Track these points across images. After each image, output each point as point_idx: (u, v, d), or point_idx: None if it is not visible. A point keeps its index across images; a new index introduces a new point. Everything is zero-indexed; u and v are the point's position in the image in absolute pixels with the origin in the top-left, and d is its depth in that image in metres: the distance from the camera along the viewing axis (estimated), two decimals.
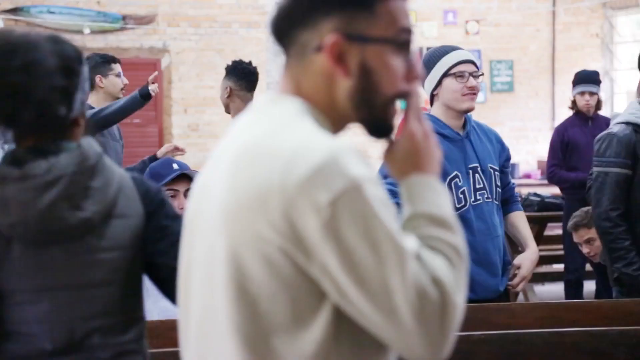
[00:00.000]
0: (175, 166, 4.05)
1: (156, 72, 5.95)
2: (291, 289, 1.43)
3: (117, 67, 5.76)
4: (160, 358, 3.43)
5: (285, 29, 1.52)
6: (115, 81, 5.73)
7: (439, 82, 3.73)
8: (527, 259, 3.85)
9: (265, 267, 1.43)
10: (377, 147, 1.60)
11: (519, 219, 4.00)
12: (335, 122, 1.53)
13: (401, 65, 1.52)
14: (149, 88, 5.68)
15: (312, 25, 1.49)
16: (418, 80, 1.55)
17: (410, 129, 1.55)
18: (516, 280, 3.83)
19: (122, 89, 5.79)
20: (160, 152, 5.75)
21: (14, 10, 10.61)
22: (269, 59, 11.49)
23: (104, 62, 5.75)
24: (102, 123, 5.50)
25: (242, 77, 5.80)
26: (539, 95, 12.76)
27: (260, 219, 1.41)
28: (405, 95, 1.55)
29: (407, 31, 1.52)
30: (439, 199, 1.52)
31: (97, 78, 5.70)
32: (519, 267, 3.83)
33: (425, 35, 12.21)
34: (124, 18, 11.03)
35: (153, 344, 3.71)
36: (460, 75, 3.69)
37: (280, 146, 1.43)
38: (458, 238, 1.50)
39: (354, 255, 1.39)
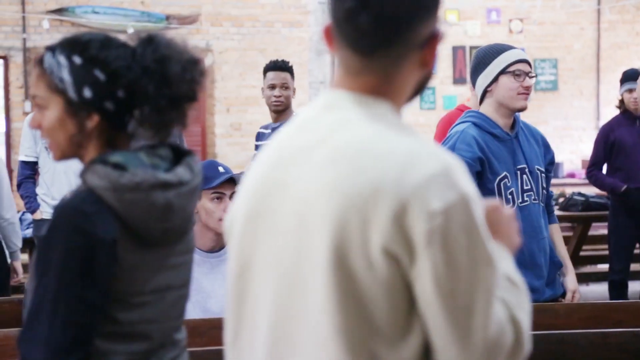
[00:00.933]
0: (220, 169, 4.07)
1: None
2: (391, 293, 1.45)
3: None
4: (203, 357, 3.44)
5: (398, 26, 1.54)
6: None
7: (495, 79, 3.72)
8: (573, 282, 3.97)
9: (369, 269, 1.44)
10: None
11: (556, 234, 4.01)
12: (398, 108, 1.58)
13: None
14: None
15: (423, 24, 1.55)
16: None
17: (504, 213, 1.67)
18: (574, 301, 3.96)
19: None
20: None
21: (60, 11, 10.71)
22: (311, 59, 11.51)
23: None
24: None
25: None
26: (584, 94, 12.65)
27: (369, 220, 1.43)
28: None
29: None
30: (512, 265, 1.61)
31: None
32: (574, 292, 3.96)
33: (468, 34, 12.15)
34: (167, 18, 11.10)
35: (196, 343, 3.73)
36: (517, 74, 3.69)
37: (392, 151, 1.47)
38: (527, 299, 1.57)
39: (454, 265, 1.43)
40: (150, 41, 2.07)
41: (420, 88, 1.60)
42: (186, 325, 3.77)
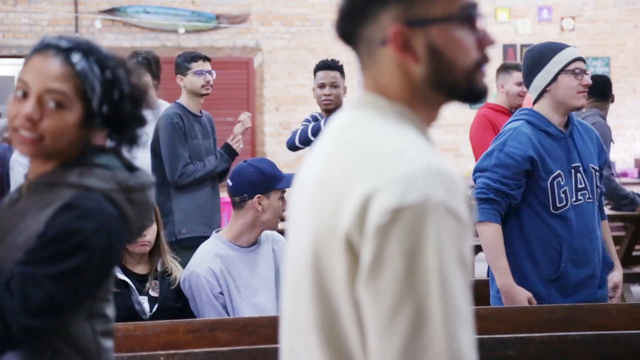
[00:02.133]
0: (285, 171, 4.17)
1: (244, 122, 5.99)
2: (350, 294, 1.40)
3: (196, 65, 5.81)
4: (252, 355, 3.46)
5: (348, 28, 1.53)
6: (193, 79, 5.78)
7: (554, 78, 3.72)
8: (619, 277, 3.92)
9: (334, 259, 1.42)
10: (468, 146, 1.59)
11: (605, 231, 3.99)
12: (423, 111, 1.52)
13: (470, 36, 1.50)
14: (234, 145, 5.80)
15: (373, 19, 1.49)
16: (492, 45, 1.53)
17: None
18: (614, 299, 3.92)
19: (204, 86, 5.83)
20: (233, 140, 5.83)
21: (112, 11, 10.83)
22: None
23: (183, 61, 5.83)
24: (189, 183, 5.65)
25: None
26: (636, 93, 12.51)
27: (341, 210, 1.40)
28: (483, 62, 1.52)
29: (472, 6, 1.50)
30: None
31: (178, 78, 5.79)
32: (615, 287, 3.91)
33: (519, 32, 12.07)
34: (217, 17, 11.16)
35: (245, 341, 3.76)
36: (577, 73, 3.69)
37: (382, 149, 1.43)
38: None
39: (382, 271, 1.35)
40: (126, 67, 2.12)
41: (442, 87, 1.50)
42: (235, 324, 3.81)
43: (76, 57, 2.05)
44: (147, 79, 5.90)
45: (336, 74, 5.83)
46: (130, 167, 2.14)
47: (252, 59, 11.30)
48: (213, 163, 5.76)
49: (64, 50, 2.06)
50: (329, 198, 1.44)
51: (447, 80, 1.50)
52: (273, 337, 3.76)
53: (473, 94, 1.52)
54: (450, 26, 1.48)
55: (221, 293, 4.09)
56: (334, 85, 5.79)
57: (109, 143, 2.12)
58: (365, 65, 1.53)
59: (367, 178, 1.39)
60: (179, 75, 5.79)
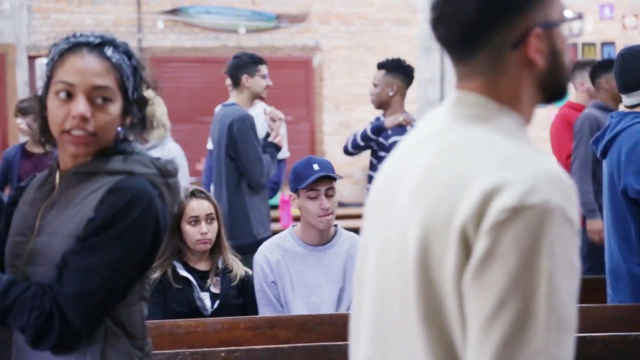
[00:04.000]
0: (316, 167, 4.14)
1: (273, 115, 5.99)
2: (459, 277, 1.42)
3: (264, 69, 5.83)
4: (312, 352, 3.49)
5: (475, 33, 1.54)
6: (260, 82, 5.81)
7: None
8: None
9: (445, 258, 1.43)
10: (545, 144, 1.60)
11: None
12: (526, 113, 1.57)
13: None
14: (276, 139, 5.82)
15: (507, 24, 1.52)
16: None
17: None
18: None
19: (266, 90, 5.87)
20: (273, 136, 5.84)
21: (174, 11, 10.94)
22: (419, 57, 11.48)
23: (252, 62, 5.84)
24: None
25: (409, 75, 5.90)
26: None
27: (457, 204, 1.43)
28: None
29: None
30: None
31: (244, 77, 5.79)
32: None
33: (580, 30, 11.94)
34: (277, 17, 11.22)
35: (304, 338, 3.78)
36: None
37: (498, 150, 1.47)
38: None
39: (493, 268, 1.38)
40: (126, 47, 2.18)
41: (549, 88, 1.57)
42: (294, 321, 3.84)
43: (109, 51, 2.11)
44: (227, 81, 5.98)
45: (379, 73, 5.89)
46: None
47: (312, 58, 11.33)
48: (273, 163, 5.80)
49: (96, 46, 2.11)
50: (443, 190, 1.46)
51: (558, 81, 1.57)
52: (332, 334, 3.78)
53: (562, 93, 1.60)
54: (563, 28, 1.56)
55: (274, 283, 4.13)
56: (373, 84, 5.87)
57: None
58: (478, 68, 1.56)
59: (489, 174, 1.42)
60: (245, 75, 5.78)
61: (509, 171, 1.42)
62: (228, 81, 6.00)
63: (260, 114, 6.19)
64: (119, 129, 2.17)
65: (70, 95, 2.08)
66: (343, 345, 3.51)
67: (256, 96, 5.83)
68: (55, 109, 2.10)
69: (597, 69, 5.74)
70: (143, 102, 2.18)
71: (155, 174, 2.12)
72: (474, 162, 1.46)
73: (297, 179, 4.16)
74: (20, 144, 6.44)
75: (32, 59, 10.35)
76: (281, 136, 5.82)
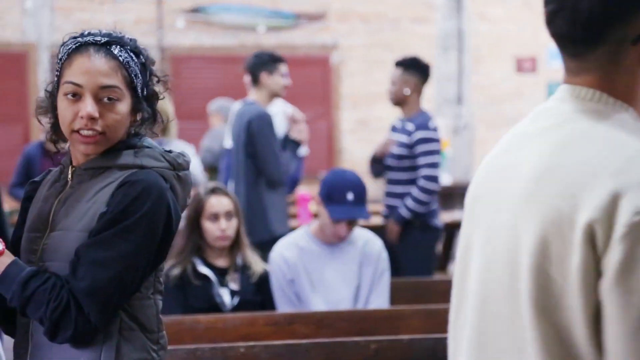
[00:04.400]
0: (349, 197, 4.15)
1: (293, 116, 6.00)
2: (585, 285, 1.41)
3: (283, 67, 5.87)
4: (330, 347, 3.53)
5: (597, 28, 1.51)
6: (279, 80, 5.84)
7: None
8: None
9: (569, 248, 1.42)
10: None
11: None
12: (638, 109, 1.55)
13: None
14: (297, 136, 5.84)
15: (629, 19, 1.50)
16: None
17: None
18: None
19: (284, 89, 5.92)
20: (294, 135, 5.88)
21: (194, 10, 10.99)
22: (437, 55, 11.49)
23: (272, 60, 5.87)
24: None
25: (425, 73, 5.92)
26: None
27: (580, 200, 1.41)
28: None
29: None
30: None
31: (263, 75, 5.82)
32: None
33: None
34: (296, 15, 11.26)
35: (323, 334, 3.82)
36: None
37: (621, 145, 1.45)
38: None
39: (636, 270, 1.36)
40: (138, 47, 2.20)
41: None
42: (313, 317, 3.88)
43: (116, 50, 2.12)
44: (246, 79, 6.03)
45: (396, 71, 5.91)
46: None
47: (330, 57, 11.37)
48: (293, 159, 5.84)
49: (103, 44, 2.12)
50: (565, 186, 1.44)
51: None
52: (350, 330, 3.83)
53: None
54: None
55: (291, 281, 4.16)
56: (392, 82, 5.89)
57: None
58: (596, 63, 1.53)
59: (616, 174, 1.40)
60: (264, 73, 5.82)
61: (636, 170, 1.40)
62: (247, 79, 6.04)
63: (279, 113, 6.24)
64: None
65: (78, 96, 2.10)
66: (361, 340, 3.56)
67: (275, 94, 5.85)
68: (64, 109, 2.12)
69: None
70: (154, 97, 2.20)
71: (166, 167, 2.14)
72: (597, 158, 1.44)
73: (328, 197, 4.16)
74: (39, 142, 6.47)
75: (54, 57, 10.44)
76: (304, 133, 5.85)
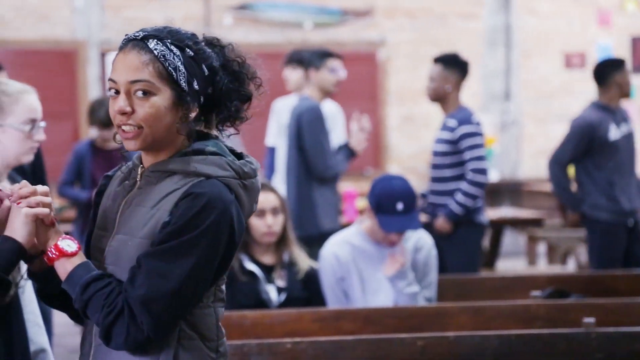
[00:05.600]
0: (399, 207, 4.14)
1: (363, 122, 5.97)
2: None
3: (331, 62, 5.88)
4: (377, 344, 3.54)
5: None
6: (326, 76, 5.86)
7: None
8: None
9: None
10: None
11: None
12: None
13: None
14: (356, 146, 5.84)
15: None
16: None
17: None
18: None
19: (335, 85, 5.93)
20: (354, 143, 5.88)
21: (241, 7, 11.04)
22: (484, 51, 11.43)
23: (318, 56, 5.90)
24: (332, 176, 5.77)
25: (465, 70, 5.90)
26: None
27: None
28: None
29: None
30: None
31: (311, 71, 5.86)
32: None
33: None
34: (343, 12, 11.26)
35: (370, 330, 3.83)
36: None
37: None
38: None
39: None
40: (215, 44, 2.18)
41: None
42: (359, 314, 3.89)
43: (152, 43, 2.10)
44: (297, 73, 6.05)
45: (436, 67, 5.87)
46: (233, 152, 2.20)
47: (377, 53, 11.36)
48: (344, 162, 5.86)
49: (140, 39, 2.11)
50: None
51: None
52: (397, 326, 3.83)
53: None
54: None
55: (342, 279, 4.17)
56: (430, 79, 5.86)
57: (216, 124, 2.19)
58: None
59: None
60: (312, 69, 5.86)
61: None
62: (293, 75, 6.09)
63: (331, 112, 6.28)
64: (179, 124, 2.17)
65: (118, 92, 2.11)
66: (407, 337, 3.56)
67: (325, 90, 5.89)
68: (109, 107, 2.15)
69: None
70: (227, 94, 2.16)
71: (231, 176, 2.12)
72: None
73: (378, 207, 4.15)
74: (89, 140, 6.52)
75: (103, 55, 10.55)
76: (363, 144, 5.86)
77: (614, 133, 5.93)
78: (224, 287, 2.20)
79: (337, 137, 6.21)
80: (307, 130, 5.68)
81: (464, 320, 3.91)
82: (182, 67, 2.10)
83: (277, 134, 6.84)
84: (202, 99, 2.14)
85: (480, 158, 5.66)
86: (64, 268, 2.09)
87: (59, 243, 2.10)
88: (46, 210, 2.09)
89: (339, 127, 6.45)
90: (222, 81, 2.15)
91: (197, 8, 10.90)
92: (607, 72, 5.98)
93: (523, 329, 3.81)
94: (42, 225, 2.10)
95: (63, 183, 6.39)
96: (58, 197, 6.43)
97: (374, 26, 11.32)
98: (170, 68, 2.09)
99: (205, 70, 2.13)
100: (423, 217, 6.08)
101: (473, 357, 3.52)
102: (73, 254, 2.10)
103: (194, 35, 2.17)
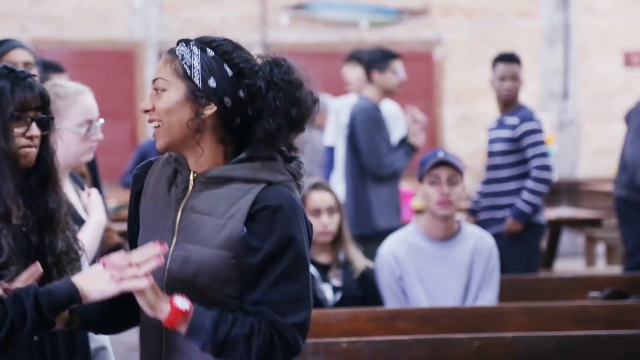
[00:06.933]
0: (440, 154, 4.20)
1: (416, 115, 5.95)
2: None
3: (395, 64, 5.91)
4: (433, 344, 3.52)
5: None
6: (390, 78, 5.89)
7: None
8: None
9: None
10: None
11: None
12: None
13: None
14: (414, 140, 5.83)
15: None
16: None
17: None
18: None
19: (398, 86, 5.95)
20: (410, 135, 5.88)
21: (297, 6, 11.08)
22: (542, 49, 11.33)
23: (384, 57, 5.92)
24: (388, 175, 5.78)
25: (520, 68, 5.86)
26: None
27: None
28: None
29: None
30: None
31: (375, 72, 5.87)
32: None
33: None
34: (399, 11, 11.24)
35: (426, 330, 3.82)
36: None
37: None
38: None
39: None
40: (278, 63, 2.17)
41: None
42: (415, 313, 3.88)
43: (179, 45, 2.18)
44: (357, 72, 6.09)
45: (517, 67, 5.82)
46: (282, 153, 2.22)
47: (433, 52, 11.32)
48: (404, 158, 5.86)
49: (178, 43, 2.19)
50: None
51: None
52: (453, 326, 3.81)
53: None
54: None
55: (400, 278, 4.16)
56: (514, 78, 5.78)
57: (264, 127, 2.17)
58: None
59: None
60: (376, 70, 5.89)
61: None
62: (353, 74, 6.10)
63: (391, 113, 6.30)
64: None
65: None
66: (464, 337, 3.54)
67: (387, 91, 5.93)
68: None
69: None
70: (268, 107, 2.15)
71: (290, 180, 2.18)
72: None
73: (421, 165, 4.22)
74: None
75: (161, 55, 10.64)
76: (421, 138, 5.86)
77: None
78: None
79: (399, 136, 6.22)
80: (360, 130, 5.73)
81: (521, 321, 3.88)
82: (197, 65, 2.14)
83: (335, 133, 6.87)
84: (228, 101, 2.15)
85: (544, 155, 5.60)
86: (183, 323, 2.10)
87: (176, 304, 2.08)
88: (141, 284, 2.06)
89: (401, 126, 6.45)
90: (259, 91, 2.15)
91: (253, 8, 10.96)
92: None
93: (581, 330, 3.77)
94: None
95: (126, 175, 6.51)
96: (122, 191, 6.53)
97: (430, 25, 11.28)
98: (185, 65, 2.14)
99: (229, 70, 2.15)
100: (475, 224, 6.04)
101: (530, 358, 3.50)
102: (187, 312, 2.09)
103: (227, 39, 2.20)
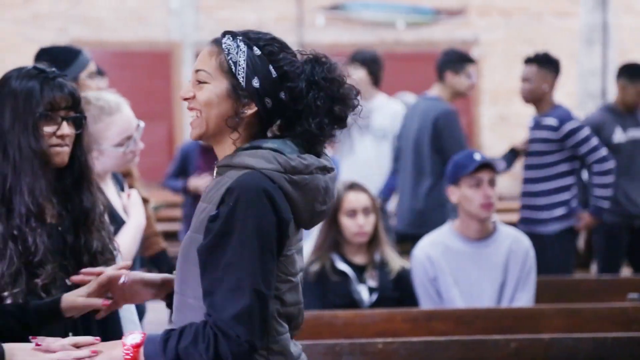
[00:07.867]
0: (477, 156, 4.18)
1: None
2: None
3: (470, 68, 5.92)
4: (469, 345, 3.51)
5: None
6: (464, 81, 5.91)
7: None
8: None
9: None
10: None
11: None
12: None
13: None
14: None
15: None
16: None
17: None
18: None
19: (469, 89, 5.98)
20: None
21: (334, 7, 11.09)
22: (580, 49, 11.25)
23: (459, 59, 5.93)
24: None
25: (558, 69, 5.82)
26: None
27: None
28: None
29: None
30: None
31: (448, 74, 5.88)
32: None
33: None
34: (436, 11, 11.22)
35: (462, 331, 3.80)
36: None
37: None
38: None
39: None
40: (320, 61, 2.17)
41: None
42: (452, 314, 3.87)
43: (225, 39, 2.16)
44: (359, 73, 6.08)
45: (531, 68, 5.78)
46: (314, 153, 2.18)
47: (470, 52, 11.27)
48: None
49: (221, 36, 2.18)
50: None
51: None
52: (489, 328, 3.80)
53: None
54: None
55: (435, 279, 4.15)
56: (526, 79, 5.78)
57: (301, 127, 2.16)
58: None
59: None
60: (449, 71, 5.89)
61: None
62: (355, 75, 6.10)
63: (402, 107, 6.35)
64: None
65: None
66: (500, 338, 3.52)
67: (458, 94, 5.94)
68: None
69: None
70: (308, 107, 2.14)
71: (275, 169, 2.10)
72: None
73: (458, 168, 4.19)
74: None
75: (197, 56, 10.70)
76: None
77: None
78: (283, 286, 2.17)
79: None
80: (447, 135, 5.74)
81: (558, 322, 3.86)
82: (243, 63, 2.13)
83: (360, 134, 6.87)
84: (269, 102, 2.14)
85: (596, 148, 5.58)
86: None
87: (127, 342, 2.10)
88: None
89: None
90: (300, 92, 2.14)
91: (289, 8, 10.98)
92: None
93: (619, 332, 3.74)
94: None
95: (168, 176, 6.55)
96: (163, 192, 6.56)
97: (467, 25, 11.24)
98: (230, 61, 2.13)
99: (273, 72, 2.14)
100: (513, 217, 6.02)
101: (567, 359, 3.47)
102: (142, 342, 2.11)
103: (274, 39, 2.19)
